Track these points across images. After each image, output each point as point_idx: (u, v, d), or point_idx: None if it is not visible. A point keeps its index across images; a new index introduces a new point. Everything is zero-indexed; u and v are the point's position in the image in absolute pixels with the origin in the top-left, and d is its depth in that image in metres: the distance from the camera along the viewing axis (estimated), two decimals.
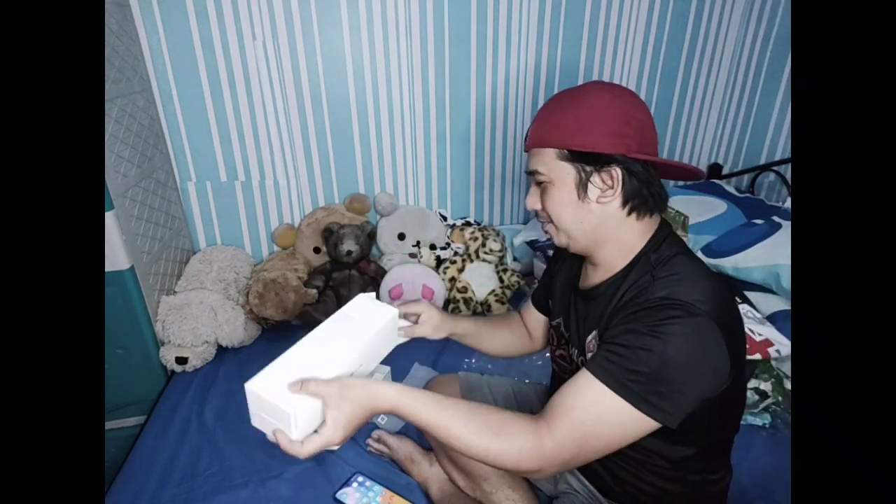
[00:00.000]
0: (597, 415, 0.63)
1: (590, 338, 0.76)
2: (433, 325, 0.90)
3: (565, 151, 0.71)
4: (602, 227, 0.73)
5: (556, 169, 0.72)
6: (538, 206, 0.77)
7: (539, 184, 0.75)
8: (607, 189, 0.70)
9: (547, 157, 0.72)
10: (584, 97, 0.71)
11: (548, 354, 0.96)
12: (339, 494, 1.01)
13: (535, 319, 1.01)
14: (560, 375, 0.89)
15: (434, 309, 0.91)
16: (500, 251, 1.80)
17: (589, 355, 0.76)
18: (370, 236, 1.77)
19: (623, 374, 0.62)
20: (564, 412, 0.64)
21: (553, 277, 0.93)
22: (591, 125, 0.69)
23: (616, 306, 0.71)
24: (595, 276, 0.78)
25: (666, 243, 0.73)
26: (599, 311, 0.75)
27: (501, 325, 1.04)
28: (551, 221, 0.76)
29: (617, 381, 0.62)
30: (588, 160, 0.70)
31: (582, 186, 0.71)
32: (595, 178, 0.70)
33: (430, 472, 1.05)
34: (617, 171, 0.69)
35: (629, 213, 0.72)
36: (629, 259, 0.73)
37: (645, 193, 0.71)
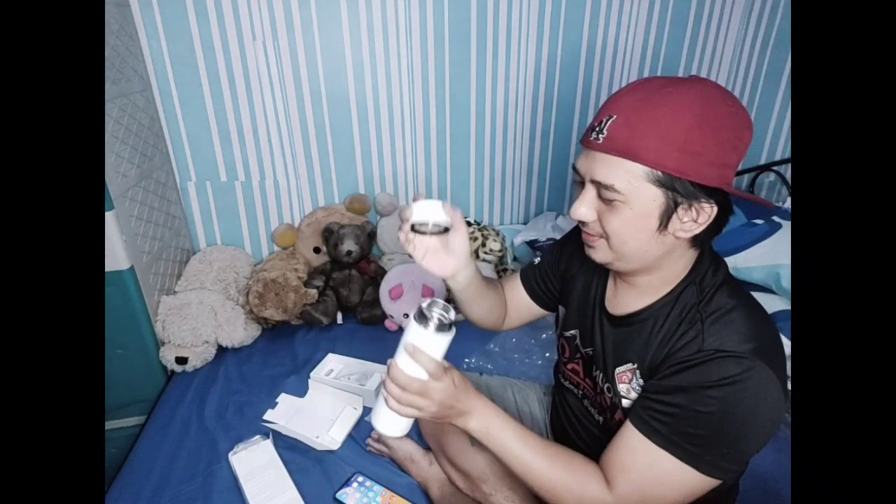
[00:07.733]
0: (655, 477, 0.60)
1: (623, 368, 0.69)
2: (455, 250, 0.79)
3: (658, 173, 0.56)
4: (663, 256, 0.63)
5: (641, 191, 0.58)
6: (592, 219, 0.62)
7: (606, 199, 0.60)
8: (690, 222, 0.59)
9: (631, 173, 0.57)
10: (694, 102, 0.55)
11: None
12: (339, 494, 1.01)
13: (518, 298, 0.92)
14: (570, 390, 0.84)
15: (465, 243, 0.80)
16: (500, 251, 1.80)
17: (621, 387, 0.69)
18: (370, 236, 1.77)
19: (679, 437, 0.59)
20: (621, 471, 0.61)
21: (563, 273, 0.83)
22: (700, 145, 0.55)
23: (662, 340, 0.64)
24: (631, 300, 0.70)
25: (710, 269, 0.66)
26: (640, 342, 0.67)
27: (492, 288, 0.88)
28: (604, 238, 0.63)
29: (672, 443, 0.59)
30: (682, 189, 0.57)
31: (665, 216, 0.59)
32: (682, 211, 0.59)
33: (429, 472, 1.05)
34: (713, 208, 0.58)
35: (692, 245, 0.63)
36: (673, 285, 0.66)
37: (720, 227, 0.62)
